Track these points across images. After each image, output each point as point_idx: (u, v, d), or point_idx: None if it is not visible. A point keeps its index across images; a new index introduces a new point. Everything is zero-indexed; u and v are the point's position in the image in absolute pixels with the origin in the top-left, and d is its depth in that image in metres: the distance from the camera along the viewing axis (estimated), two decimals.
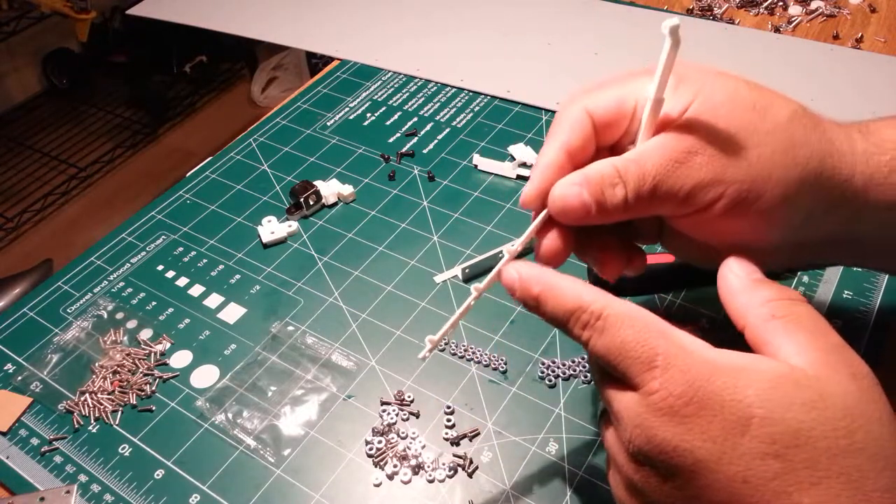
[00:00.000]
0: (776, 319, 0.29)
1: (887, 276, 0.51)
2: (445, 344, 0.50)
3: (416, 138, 0.69)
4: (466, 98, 0.74)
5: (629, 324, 0.29)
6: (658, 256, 0.52)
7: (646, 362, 0.28)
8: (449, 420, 0.46)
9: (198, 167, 0.68)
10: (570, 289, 0.31)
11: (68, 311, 0.55)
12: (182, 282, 0.57)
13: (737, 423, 0.25)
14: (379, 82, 0.77)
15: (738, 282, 0.31)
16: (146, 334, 0.53)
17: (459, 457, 0.44)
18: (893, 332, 0.48)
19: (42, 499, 0.43)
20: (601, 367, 0.31)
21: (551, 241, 0.34)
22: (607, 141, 0.35)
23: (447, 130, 0.70)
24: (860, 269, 0.52)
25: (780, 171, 0.31)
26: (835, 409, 0.25)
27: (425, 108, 0.73)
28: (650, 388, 0.27)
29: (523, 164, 0.64)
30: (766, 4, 0.85)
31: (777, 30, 0.81)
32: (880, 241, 0.35)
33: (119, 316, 0.54)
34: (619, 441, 0.30)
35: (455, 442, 0.45)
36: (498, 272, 0.34)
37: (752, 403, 0.25)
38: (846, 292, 0.51)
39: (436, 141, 0.69)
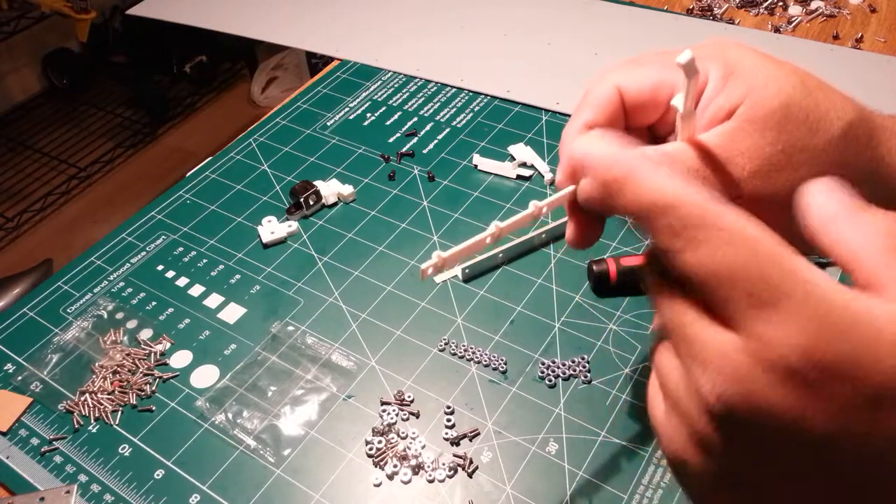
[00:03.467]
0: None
1: None
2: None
3: (416, 138, 0.69)
4: (466, 98, 0.74)
5: (746, 243, 0.22)
6: None
7: (764, 300, 0.21)
8: (449, 420, 0.46)
9: (198, 167, 0.68)
10: (668, 177, 0.23)
11: (68, 311, 0.55)
12: (182, 282, 0.57)
13: (874, 398, 0.20)
14: (379, 82, 0.77)
15: (835, 207, 0.23)
16: (146, 334, 0.53)
17: (459, 457, 0.44)
18: None
19: (42, 499, 0.43)
20: (681, 290, 0.24)
21: (582, 225, 0.33)
22: (640, 122, 0.33)
23: (447, 130, 0.70)
24: None
25: None
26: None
27: (425, 108, 0.73)
28: (763, 335, 0.21)
29: (523, 164, 0.64)
30: (766, 4, 0.85)
31: (777, 30, 0.81)
32: None
33: (119, 316, 0.54)
34: (695, 386, 0.23)
35: (455, 442, 0.45)
36: (532, 214, 0.30)
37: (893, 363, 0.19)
38: None
39: (436, 141, 0.69)
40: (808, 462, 0.21)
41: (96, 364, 0.50)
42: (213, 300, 0.55)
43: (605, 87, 0.32)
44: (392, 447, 0.45)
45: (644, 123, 0.33)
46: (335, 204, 0.63)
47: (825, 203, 0.24)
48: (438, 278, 0.55)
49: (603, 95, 0.32)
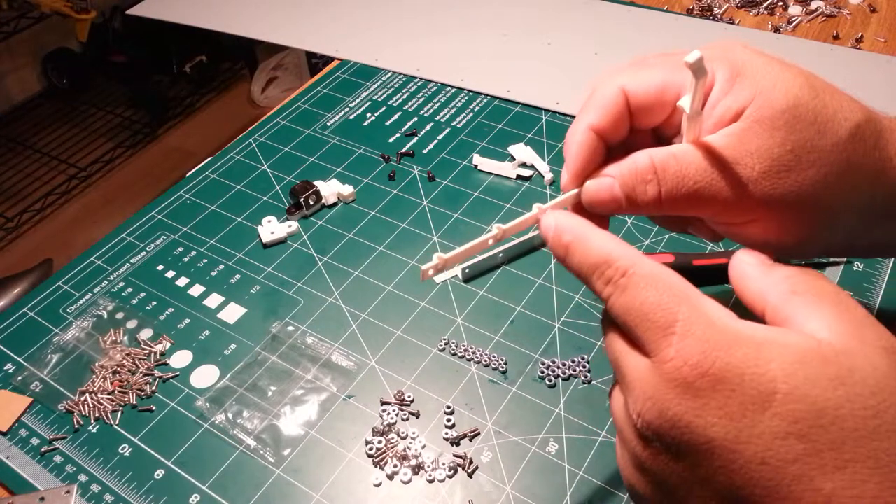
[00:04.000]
0: (798, 295, 0.26)
1: (887, 276, 0.51)
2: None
3: (416, 138, 0.69)
4: (466, 98, 0.74)
5: (653, 285, 0.26)
6: (658, 256, 0.52)
7: (663, 327, 0.25)
8: (449, 420, 0.46)
9: (198, 167, 0.68)
10: (599, 241, 0.29)
11: (68, 311, 0.55)
12: (182, 282, 0.57)
13: (757, 398, 0.23)
14: (379, 82, 0.77)
15: (752, 268, 0.29)
16: (146, 334, 0.53)
17: (459, 457, 0.44)
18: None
19: (42, 499, 0.43)
20: (617, 329, 0.28)
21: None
22: (646, 124, 0.33)
23: (447, 130, 0.70)
24: (859, 270, 0.52)
25: (830, 195, 0.30)
26: (864, 385, 0.23)
27: (425, 108, 0.73)
28: (664, 356, 0.25)
29: (523, 164, 0.64)
30: (766, 4, 0.85)
31: (777, 30, 0.81)
32: None
33: (119, 316, 0.54)
34: (628, 413, 0.27)
35: (455, 442, 0.45)
36: (535, 217, 0.32)
37: (775, 378, 0.23)
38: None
39: (436, 141, 0.69)
40: (715, 469, 0.24)
41: (96, 364, 0.50)
42: (213, 300, 0.55)
43: (610, 88, 0.32)
44: (392, 447, 0.45)
45: (649, 125, 0.33)
46: (335, 204, 0.63)
47: (745, 268, 0.29)
48: (438, 278, 0.55)
49: (608, 97, 0.32)
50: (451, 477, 0.43)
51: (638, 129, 0.33)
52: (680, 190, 0.30)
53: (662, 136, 0.34)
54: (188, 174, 0.67)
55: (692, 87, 0.29)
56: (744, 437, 0.23)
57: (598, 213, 0.33)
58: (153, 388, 0.49)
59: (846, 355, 0.24)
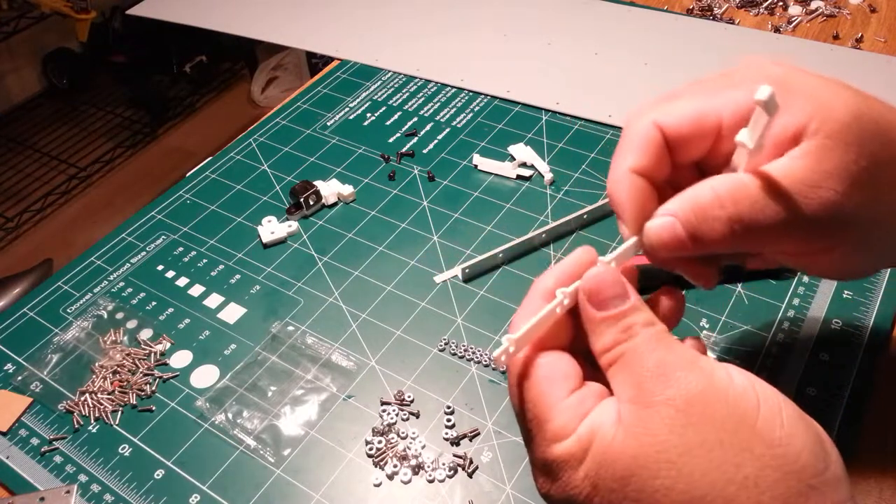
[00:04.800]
0: (610, 367, 0.28)
1: (886, 278, 0.51)
2: (459, 348, 0.50)
3: (416, 138, 0.69)
4: (466, 98, 0.74)
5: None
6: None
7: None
8: (449, 420, 0.46)
9: (198, 167, 0.68)
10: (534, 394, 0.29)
11: (68, 311, 0.55)
12: (182, 282, 0.57)
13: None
14: (379, 82, 0.77)
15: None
16: (146, 334, 0.53)
17: (459, 457, 0.44)
18: (893, 331, 0.48)
19: (42, 499, 0.43)
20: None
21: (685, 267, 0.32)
22: (686, 158, 0.31)
23: (447, 130, 0.70)
24: None
25: None
26: (613, 465, 0.25)
27: (425, 108, 0.73)
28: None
29: (523, 164, 0.64)
30: (766, 4, 0.85)
31: (777, 30, 0.81)
32: None
33: (119, 316, 0.54)
34: None
35: (455, 442, 0.45)
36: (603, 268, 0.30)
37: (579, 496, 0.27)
38: (846, 292, 0.51)
39: (436, 141, 0.69)
40: None
41: (96, 364, 0.50)
42: (213, 300, 0.55)
43: (643, 125, 0.30)
44: (392, 447, 0.45)
45: (690, 159, 0.31)
46: (335, 204, 0.63)
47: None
48: (438, 278, 0.55)
49: (642, 135, 0.30)
50: (451, 477, 0.43)
51: (679, 164, 0.31)
52: (756, 223, 0.27)
53: (706, 169, 0.32)
54: (188, 174, 0.67)
55: (758, 122, 0.26)
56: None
57: (663, 258, 0.30)
58: (153, 388, 0.49)
59: (600, 445, 0.26)
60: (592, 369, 0.29)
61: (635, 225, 0.30)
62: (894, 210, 0.28)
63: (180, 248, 0.60)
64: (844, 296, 0.50)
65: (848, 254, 0.29)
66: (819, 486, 0.23)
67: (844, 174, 0.27)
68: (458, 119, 0.71)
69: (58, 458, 0.46)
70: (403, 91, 0.76)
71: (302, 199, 0.60)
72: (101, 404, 0.48)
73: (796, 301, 0.51)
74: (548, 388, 0.28)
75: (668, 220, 0.29)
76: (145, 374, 0.50)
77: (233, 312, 0.54)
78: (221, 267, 0.58)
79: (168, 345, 0.52)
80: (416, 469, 0.43)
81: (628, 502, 0.25)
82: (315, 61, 2.04)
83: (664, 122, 0.30)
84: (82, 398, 0.49)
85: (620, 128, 0.44)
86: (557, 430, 0.27)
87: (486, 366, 0.49)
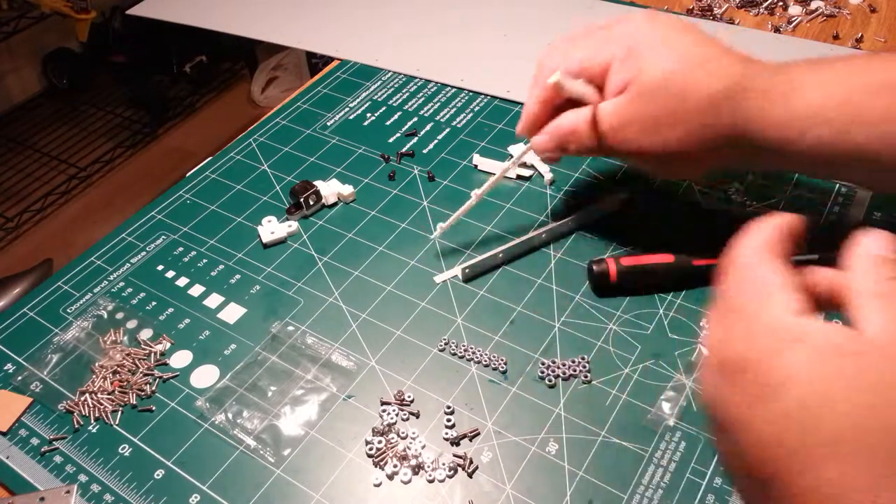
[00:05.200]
0: (876, 298, 0.26)
1: None
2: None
3: (416, 138, 0.69)
4: (466, 98, 0.74)
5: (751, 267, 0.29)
6: (658, 256, 0.52)
7: (720, 314, 0.28)
8: (449, 420, 0.46)
9: (198, 167, 0.68)
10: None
11: (68, 311, 0.55)
12: (182, 282, 0.57)
13: (770, 387, 0.25)
14: (379, 82, 0.77)
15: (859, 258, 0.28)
16: (146, 334, 0.53)
17: (459, 457, 0.44)
18: None
19: (42, 499, 0.43)
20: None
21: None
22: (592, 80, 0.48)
23: (447, 130, 0.70)
24: None
25: (694, 145, 0.44)
26: (874, 382, 0.23)
27: (425, 108, 0.73)
28: (710, 343, 0.28)
29: (523, 165, 0.64)
30: (766, 4, 0.85)
31: (777, 30, 0.81)
32: (815, 174, 0.51)
33: (119, 316, 0.54)
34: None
35: (455, 442, 0.45)
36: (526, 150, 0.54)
37: (788, 370, 0.25)
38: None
39: (436, 141, 0.69)
40: (734, 443, 0.26)
41: (96, 364, 0.50)
42: (213, 300, 0.55)
43: (549, 70, 0.48)
44: (392, 447, 0.45)
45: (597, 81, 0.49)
46: (335, 204, 0.63)
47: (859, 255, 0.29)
48: (438, 278, 0.55)
49: (548, 77, 0.48)
50: (451, 477, 0.43)
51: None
52: (586, 146, 0.48)
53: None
54: (188, 174, 0.67)
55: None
56: (756, 421, 0.25)
57: (542, 154, 0.51)
58: (153, 388, 0.49)
59: (871, 355, 0.24)
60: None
61: (528, 130, 0.51)
62: (696, 145, 0.44)
63: (180, 248, 0.60)
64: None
65: (657, 167, 0.50)
66: None
67: (637, 120, 0.45)
68: (458, 119, 0.71)
69: (58, 458, 0.46)
70: (403, 91, 0.76)
71: (302, 199, 0.60)
72: (101, 404, 0.48)
73: None
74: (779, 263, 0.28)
75: (545, 137, 0.50)
76: (145, 374, 0.50)
77: (233, 312, 0.54)
78: (221, 267, 0.58)
79: (168, 345, 0.52)
80: (416, 469, 0.43)
81: None
82: (315, 61, 2.04)
83: (565, 70, 0.46)
84: (82, 398, 0.49)
85: None
86: (802, 303, 0.27)
87: (487, 366, 0.49)
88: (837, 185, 0.59)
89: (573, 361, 0.48)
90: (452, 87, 0.76)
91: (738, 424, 0.26)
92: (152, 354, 0.51)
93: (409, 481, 0.43)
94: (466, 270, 0.55)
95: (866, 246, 0.28)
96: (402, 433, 0.45)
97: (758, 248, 0.29)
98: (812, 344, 0.25)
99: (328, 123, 0.72)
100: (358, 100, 0.75)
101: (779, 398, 0.25)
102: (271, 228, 0.60)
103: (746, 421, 0.25)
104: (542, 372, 0.48)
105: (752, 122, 0.42)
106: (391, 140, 0.69)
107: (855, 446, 0.23)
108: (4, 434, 0.47)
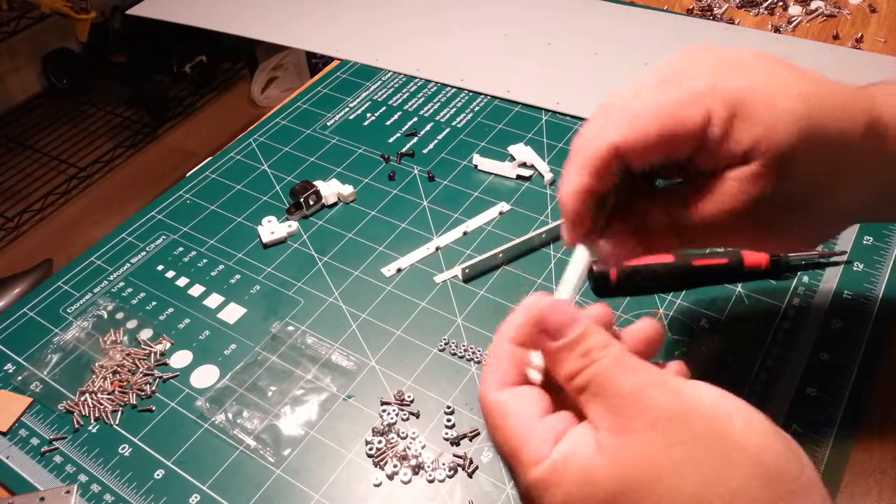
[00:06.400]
0: (581, 395, 0.28)
1: (886, 276, 0.51)
2: (460, 349, 0.50)
3: (416, 138, 0.69)
4: (466, 98, 0.74)
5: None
6: (658, 256, 0.52)
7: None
8: (449, 420, 0.46)
9: (198, 167, 0.68)
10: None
11: (68, 311, 0.55)
12: (182, 282, 0.57)
13: None
14: (379, 82, 0.77)
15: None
16: (146, 334, 0.53)
17: (459, 457, 0.44)
18: (894, 332, 0.48)
19: (42, 499, 0.43)
20: None
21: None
22: (672, 157, 0.32)
23: (447, 130, 0.70)
24: (859, 269, 0.52)
25: (833, 199, 0.34)
26: (596, 487, 0.25)
27: (425, 108, 0.73)
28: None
29: (523, 164, 0.64)
30: (766, 4, 0.85)
31: (777, 30, 0.81)
32: None
33: (119, 316, 0.54)
34: None
35: (455, 442, 0.45)
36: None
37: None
38: (846, 293, 0.51)
39: (436, 141, 0.69)
40: None
41: (96, 364, 0.50)
42: (213, 300, 0.55)
43: (595, 147, 0.32)
44: (392, 447, 0.45)
45: (681, 155, 0.32)
46: (335, 204, 0.63)
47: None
48: (438, 278, 0.55)
49: (592, 158, 0.32)
50: (451, 477, 0.43)
51: (672, 160, 0.32)
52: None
53: (699, 167, 0.33)
54: (188, 174, 0.67)
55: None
56: None
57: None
58: (153, 388, 0.49)
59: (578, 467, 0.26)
60: (560, 402, 0.29)
61: (577, 238, 0.34)
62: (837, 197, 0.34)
63: (180, 248, 0.60)
64: (844, 295, 0.50)
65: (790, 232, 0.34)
66: (798, 490, 0.24)
67: (771, 198, 0.31)
68: (458, 119, 0.71)
69: (58, 458, 0.46)
70: (403, 91, 0.76)
71: (302, 199, 0.60)
72: (101, 404, 0.48)
73: (796, 301, 0.51)
74: (517, 419, 0.28)
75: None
76: (145, 374, 0.50)
77: (233, 312, 0.54)
78: (221, 267, 0.58)
79: (168, 345, 0.52)
80: (416, 469, 0.43)
81: None
82: (315, 61, 2.04)
83: (623, 141, 0.31)
84: (82, 398, 0.49)
85: None
86: (531, 457, 0.27)
87: None
88: None
89: None
90: (452, 87, 0.76)
91: None
92: (152, 354, 0.51)
93: (409, 481, 0.43)
94: (466, 270, 0.55)
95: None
96: (402, 433, 0.45)
97: (497, 383, 0.30)
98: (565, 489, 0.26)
99: (328, 123, 0.72)
100: (358, 100, 0.75)
101: None
102: (271, 228, 0.60)
103: None
104: None
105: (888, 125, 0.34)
106: (391, 140, 0.69)
107: None
108: (4, 434, 0.47)
